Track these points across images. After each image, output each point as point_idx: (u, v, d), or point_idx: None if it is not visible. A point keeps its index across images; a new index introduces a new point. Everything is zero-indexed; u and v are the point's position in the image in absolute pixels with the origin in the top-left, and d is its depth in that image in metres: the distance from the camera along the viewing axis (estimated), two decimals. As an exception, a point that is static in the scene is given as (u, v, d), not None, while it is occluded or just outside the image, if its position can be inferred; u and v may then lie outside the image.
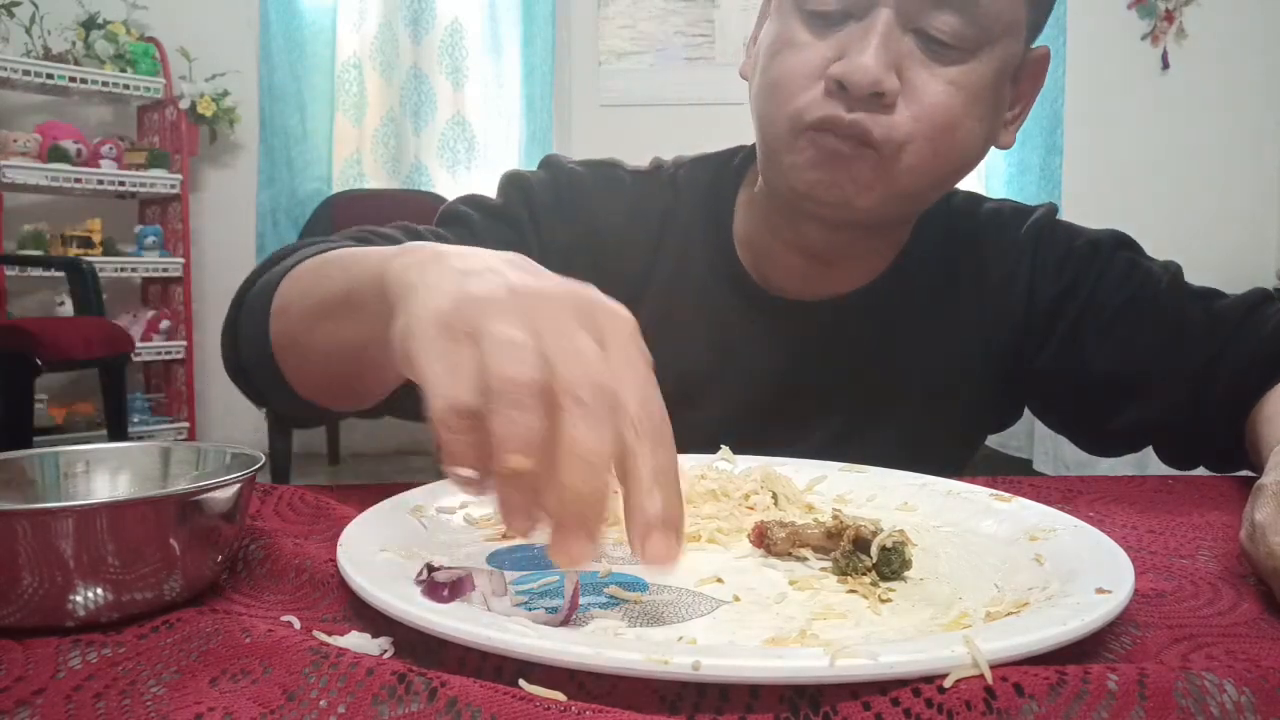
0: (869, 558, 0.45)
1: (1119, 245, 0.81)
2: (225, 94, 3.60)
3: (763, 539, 0.49)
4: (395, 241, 0.73)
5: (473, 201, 0.82)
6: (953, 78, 0.68)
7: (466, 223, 0.80)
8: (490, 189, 0.85)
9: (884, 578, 0.45)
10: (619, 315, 0.41)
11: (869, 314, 0.81)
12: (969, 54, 0.68)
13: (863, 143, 0.68)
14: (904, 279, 0.82)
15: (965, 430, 0.88)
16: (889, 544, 0.45)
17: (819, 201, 0.72)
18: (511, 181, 0.84)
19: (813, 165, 0.70)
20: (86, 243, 3.40)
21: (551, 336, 0.38)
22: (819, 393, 0.82)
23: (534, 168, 0.86)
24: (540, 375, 0.36)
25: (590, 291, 0.42)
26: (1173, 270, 0.80)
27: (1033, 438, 3.00)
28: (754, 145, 0.84)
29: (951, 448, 0.87)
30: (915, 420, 0.83)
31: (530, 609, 0.41)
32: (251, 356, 0.65)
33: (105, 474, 0.47)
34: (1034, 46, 0.75)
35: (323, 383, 0.63)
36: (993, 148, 0.77)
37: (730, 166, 0.86)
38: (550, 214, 0.81)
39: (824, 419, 0.82)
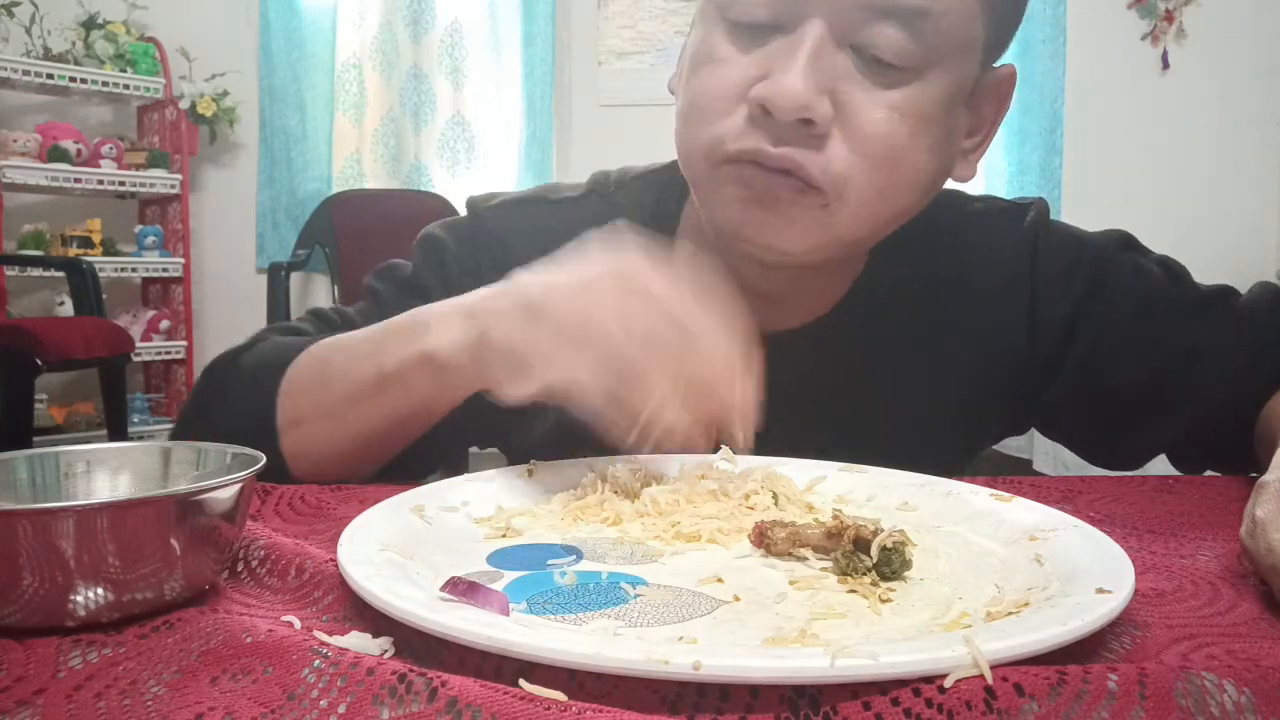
0: (869, 558, 0.45)
1: (1121, 248, 0.78)
2: (225, 94, 3.59)
3: (763, 539, 0.49)
4: (307, 334, 0.74)
5: (384, 273, 0.81)
6: (895, 102, 0.61)
7: (376, 297, 0.79)
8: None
9: (884, 578, 0.45)
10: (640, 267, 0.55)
11: (827, 346, 0.74)
12: (914, 74, 0.61)
13: (800, 185, 0.61)
14: (867, 303, 0.75)
15: (955, 451, 0.82)
16: (889, 544, 0.45)
17: (748, 241, 0.66)
18: (423, 245, 0.81)
19: (738, 201, 0.63)
20: (86, 243, 3.40)
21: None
22: (783, 430, 0.77)
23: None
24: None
25: (603, 266, 0.56)
26: (1177, 270, 0.78)
27: (1033, 438, 3.00)
28: None
29: (940, 469, 0.82)
30: (897, 448, 0.73)
31: (534, 612, 0.41)
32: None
33: (105, 474, 0.47)
34: (997, 66, 0.68)
35: (350, 465, 0.66)
36: (950, 180, 0.70)
37: (675, 186, 0.78)
38: (461, 268, 0.77)
39: (791, 453, 0.76)
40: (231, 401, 0.68)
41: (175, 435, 0.71)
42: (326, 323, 0.77)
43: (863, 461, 0.71)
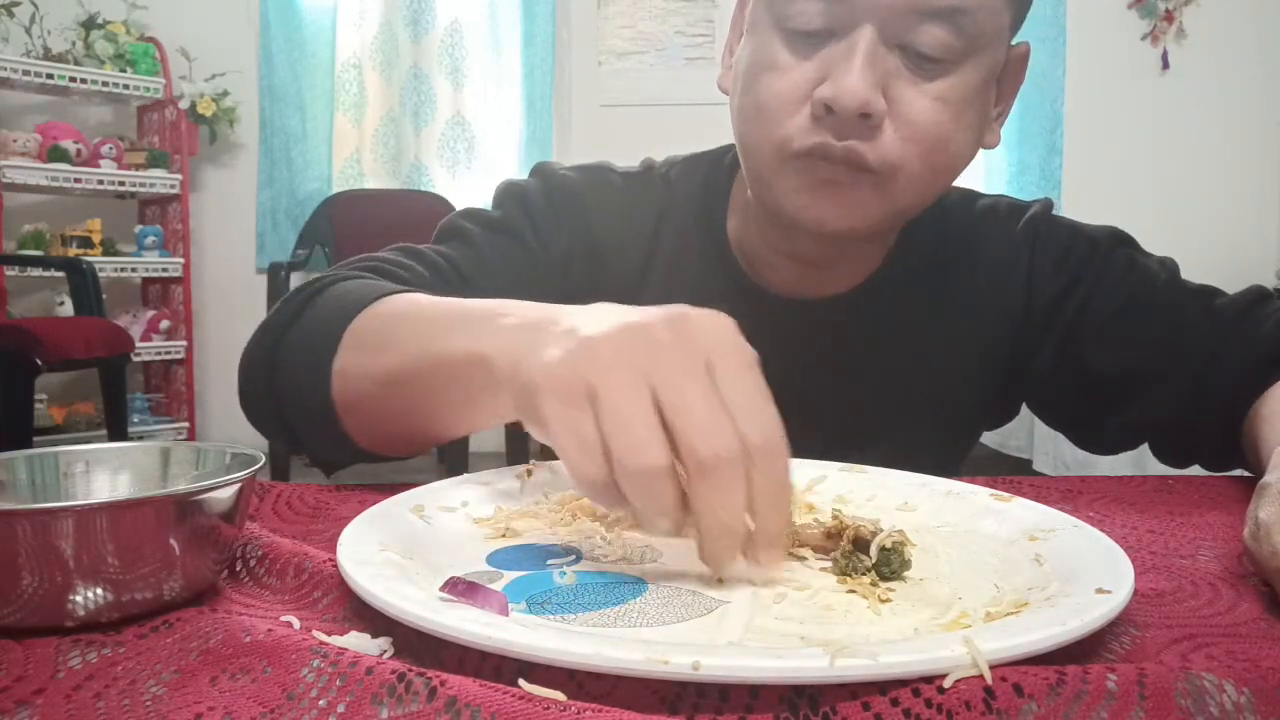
0: (869, 558, 0.45)
1: (1117, 243, 0.81)
2: (225, 94, 3.60)
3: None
4: (404, 268, 0.74)
5: (472, 215, 0.83)
6: (939, 93, 0.67)
7: (466, 237, 0.80)
8: (489, 189, 0.85)
9: (884, 578, 0.45)
10: (718, 328, 0.44)
11: (865, 311, 0.81)
12: (954, 65, 0.67)
13: (858, 169, 0.67)
14: (898, 276, 0.82)
15: (962, 426, 0.88)
16: (888, 544, 0.45)
17: (814, 225, 0.71)
18: (508, 192, 0.84)
19: (806, 191, 0.69)
20: (86, 243, 3.40)
21: (665, 390, 0.41)
22: (816, 390, 0.81)
23: (523, 171, 0.86)
24: (663, 459, 0.41)
25: (683, 311, 0.45)
26: (1170, 267, 0.80)
27: (1033, 438, 3.00)
28: None
29: (948, 444, 0.87)
30: (913, 416, 0.83)
31: (534, 612, 0.41)
32: (299, 410, 0.64)
33: (105, 474, 0.47)
34: (1014, 44, 0.74)
35: (393, 439, 0.64)
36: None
37: (722, 165, 0.85)
38: (547, 221, 0.81)
39: (822, 416, 0.81)
40: (305, 328, 0.65)
41: (249, 347, 0.69)
42: (429, 265, 0.77)
43: (885, 418, 0.82)
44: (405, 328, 0.60)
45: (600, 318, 0.45)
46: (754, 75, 0.70)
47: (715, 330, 0.44)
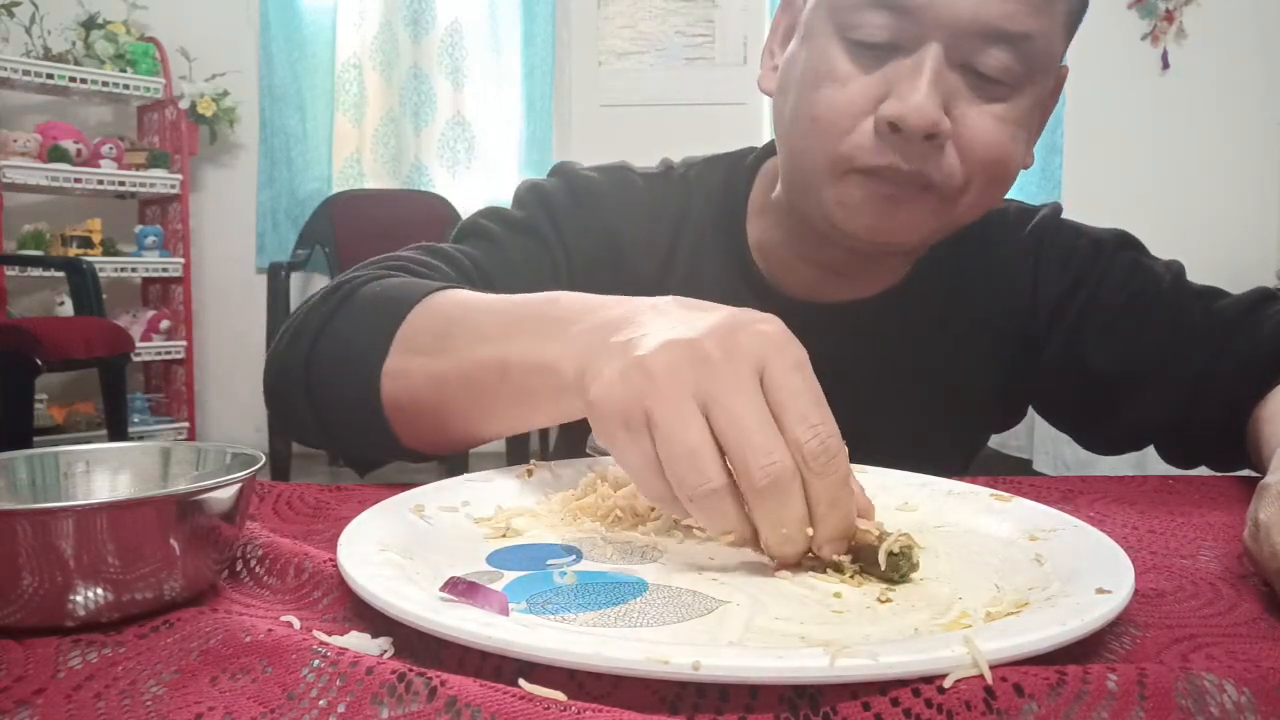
0: (878, 566, 0.44)
1: (1122, 245, 0.82)
2: (225, 94, 3.60)
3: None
4: (430, 269, 0.73)
5: (494, 215, 0.82)
6: (1000, 114, 0.67)
7: (489, 237, 0.80)
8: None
9: (894, 584, 0.44)
10: (767, 333, 0.46)
11: (883, 318, 0.81)
12: (1014, 89, 0.67)
13: (921, 186, 0.67)
14: (917, 284, 0.82)
15: (970, 430, 0.89)
16: (896, 549, 0.44)
17: (867, 240, 0.71)
18: (530, 191, 0.83)
19: (865, 207, 0.69)
20: (86, 243, 3.41)
21: (716, 409, 0.43)
22: (829, 393, 0.81)
23: (543, 174, 0.86)
24: (719, 481, 0.43)
25: (733, 319, 0.46)
26: (1175, 269, 0.81)
27: (1033, 438, 3.00)
28: (765, 146, 0.83)
29: (957, 446, 0.87)
30: (924, 418, 0.83)
31: (534, 612, 0.41)
32: (342, 412, 0.63)
33: (105, 474, 0.47)
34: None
35: (445, 439, 0.63)
36: None
37: (742, 167, 0.85)
38: (570, 220, 0.81)
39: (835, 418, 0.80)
40: (344, 329, 0.64)
41: (279, 348, 0.67)
42: (454, 264, 0.76)
43: (896, 420, 0.81)
44: (463, 329, 0.59)
45: (655, 330, 0.47)
46: (811, 84, 0.69)
47: (764, 335, 0.46)
